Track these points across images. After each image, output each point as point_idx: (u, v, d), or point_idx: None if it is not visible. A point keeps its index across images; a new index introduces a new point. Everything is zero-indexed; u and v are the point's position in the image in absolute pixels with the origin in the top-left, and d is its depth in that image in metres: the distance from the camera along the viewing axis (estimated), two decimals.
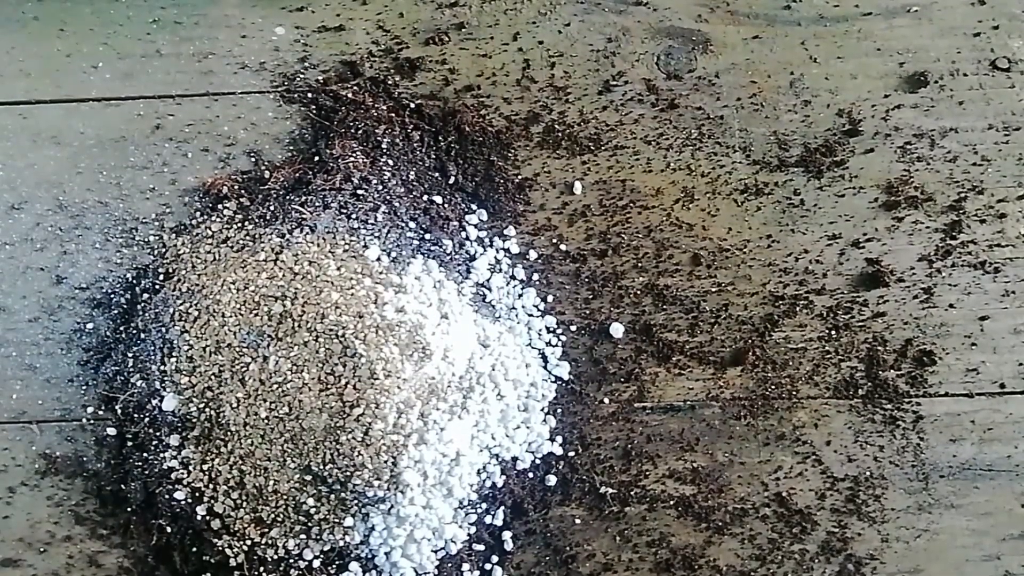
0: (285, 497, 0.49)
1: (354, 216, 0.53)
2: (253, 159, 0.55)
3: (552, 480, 0.51)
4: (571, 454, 0.51)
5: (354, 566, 0.49)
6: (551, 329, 0.53)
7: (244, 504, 0.49)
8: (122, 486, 0.50)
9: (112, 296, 0.53)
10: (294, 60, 0.57)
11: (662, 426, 0.52)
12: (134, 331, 0.52)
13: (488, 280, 0.54)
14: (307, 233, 0.52)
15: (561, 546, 0.50)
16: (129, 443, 0.51)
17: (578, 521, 0.50)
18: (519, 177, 0.55)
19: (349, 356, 0.48)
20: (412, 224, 0.54)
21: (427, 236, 0.54)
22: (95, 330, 0.53)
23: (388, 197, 0.54)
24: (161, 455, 0.50)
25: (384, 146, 0.55)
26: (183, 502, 0.49)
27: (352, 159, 0.54)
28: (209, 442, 0.49)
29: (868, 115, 0.56)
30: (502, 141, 0.56)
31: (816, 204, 0.55)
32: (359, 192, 0.53)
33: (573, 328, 0.53)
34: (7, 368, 0.53)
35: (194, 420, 0.49)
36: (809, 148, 0.56)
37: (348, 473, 0.47)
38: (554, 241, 0.55)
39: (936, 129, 0.56)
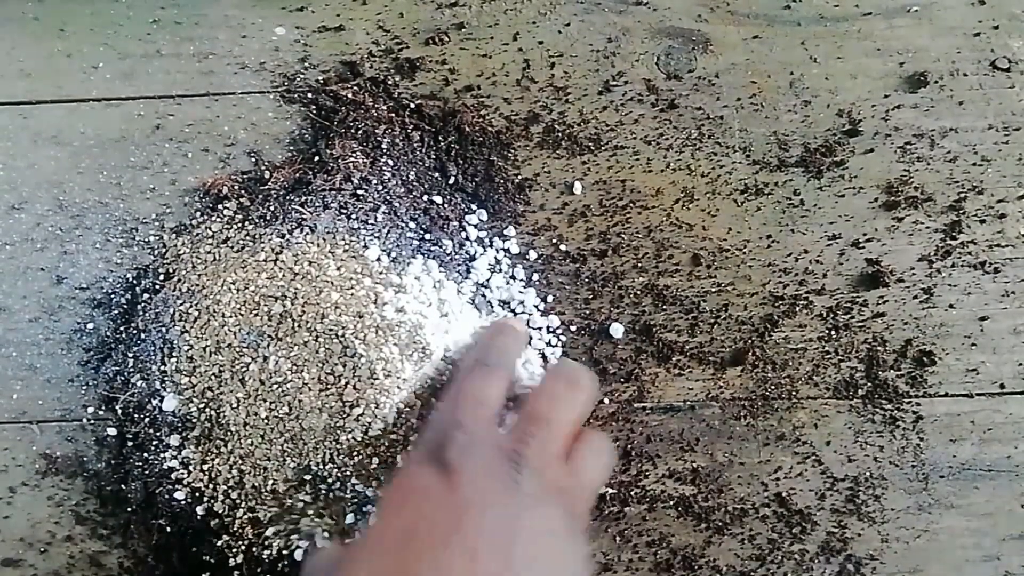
0: (283, 496, 0.49)
1: (354, 216, 0.53)
2: (253, 159, 0.55)
3: None
4: None
5: None
6: (551, 329, 0.53)
7: (243, 504, 0.49)
8: (122, 486, 0.51)
9: (112, 296, 0.53)
10: (294, 60, 0.57)
11: (662, 426, 0.52)
12: (134, 331, 0.52)
13: (488, 280, 0.54)
14: (307, 233, 0.52)
15: None
16: (129, 443, 0.51)
17: None
18: (519, 177, 0.55)
19: (349, 356, 0.48)
20: (412, 224, 0.54)
21: (427, 236, 0.54)
22: (95, 330, 0.53)
23: (388, 197, 0.54)
24: (161, 455, 0.50)
25: (384, 146, 0.55)
26: (183, 502, 0.49)
27: (352, 159, 0.54)
28: (209, 442, 0.49)
29: (868, 115, 0.56)
30: (502, 141, 0.56)
31: (816, 204, 0.55)
32: (359, 192, 0.53)
33: (573, 328, 0.53)
34: (7, 368, 0.53)
35: (194, 420, 0.49)
36: (809, 148, 0.56)
37: (348, 473, 0.47)
38: (554, 241, 0.55)
39: (936, 129, 0.56)
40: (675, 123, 0.56)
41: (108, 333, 0.53)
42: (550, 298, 0.53)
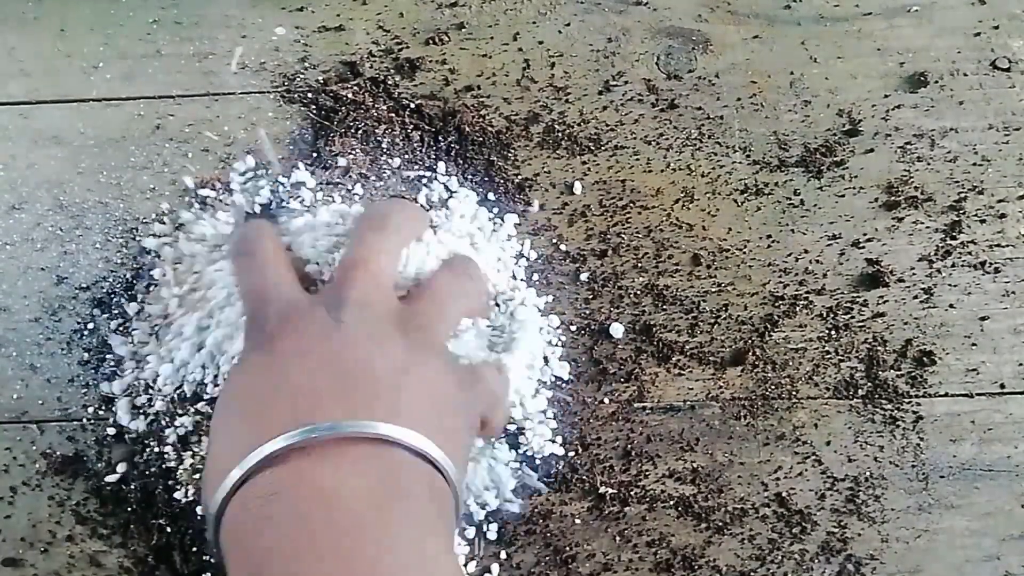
0: None
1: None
2: (253, 159, 0.55)
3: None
4: (571, 454, 0.51)
5: None
6: (551, 329, 0.53)
7: None
8: (122, 486, 0.51)
9: (112, 296, 0.53)
10: (294, 60, 0.57)
11: (662, 426, 0.52)
12: (134, 330, 0.52)
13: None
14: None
15: (561, 546, 0.50)
16: (129, 443, 0.51)
17: (578, 521, 0.50)
18: (519, 177, 0.55)
19: None
20: None
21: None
22: (95, 330, 0.53)
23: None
24: (161, 455, 0.50)
25: (384, 146, 0.55)
26: (183, 502, 0.49)
27: (352, 159, 0.54)
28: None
29: (868, 115, 0.56)
30: (502, 141, 0.56)
31: (816, 204, 0.55)
32: (358, 191, 0.53)
33: (573, 328, 0.53)
34: (7, 368, 0.53)
35: (194, 420, 0.49)
36: (809, 148, 0.56)
37: None
38: (554, 241, 0.55)
39: (936, 129, 0.56)
40: (675, 123, 0.56)
41: (108, 333, 0.53)
42: (550, 298, 0.53)
